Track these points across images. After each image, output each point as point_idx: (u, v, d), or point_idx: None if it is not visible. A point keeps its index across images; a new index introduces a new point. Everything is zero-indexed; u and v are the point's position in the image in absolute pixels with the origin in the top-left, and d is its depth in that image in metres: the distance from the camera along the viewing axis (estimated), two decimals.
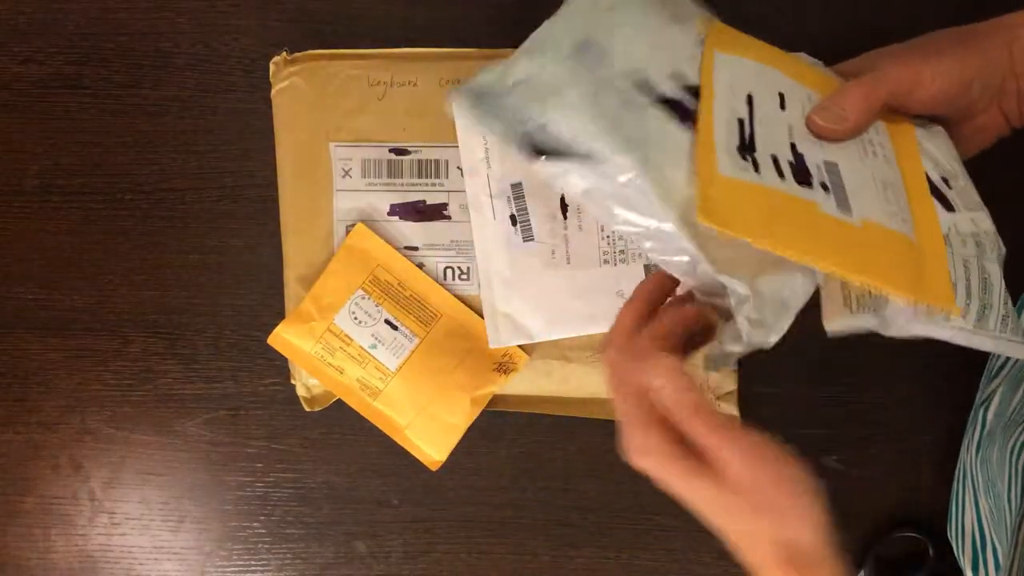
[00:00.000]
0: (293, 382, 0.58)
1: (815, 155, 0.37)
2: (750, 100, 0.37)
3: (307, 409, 0.58)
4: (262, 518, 0.62)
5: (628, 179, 0.34)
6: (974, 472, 0.53)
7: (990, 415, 0.53)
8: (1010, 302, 0.39)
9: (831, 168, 0.37)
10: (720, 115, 0.36)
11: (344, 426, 0.61)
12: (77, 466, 0.62)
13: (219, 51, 0.59)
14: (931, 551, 0.58)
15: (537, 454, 0.60)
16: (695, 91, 0.37)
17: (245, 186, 0.59)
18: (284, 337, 0.55)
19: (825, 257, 0.34)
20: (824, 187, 0.35)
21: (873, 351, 0.58)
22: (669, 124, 0.36)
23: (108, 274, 0.61)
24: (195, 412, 0.61)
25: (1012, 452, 0.48)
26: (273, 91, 0.55)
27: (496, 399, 0.57)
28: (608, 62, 0.37)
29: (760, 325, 0.36)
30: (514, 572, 0.61)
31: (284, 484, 0.61)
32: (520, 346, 0.54)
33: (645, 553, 0.60)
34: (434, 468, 0.57)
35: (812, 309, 0.59)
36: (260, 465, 0.61)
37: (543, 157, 0.35)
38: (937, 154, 0.41)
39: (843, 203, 0.35)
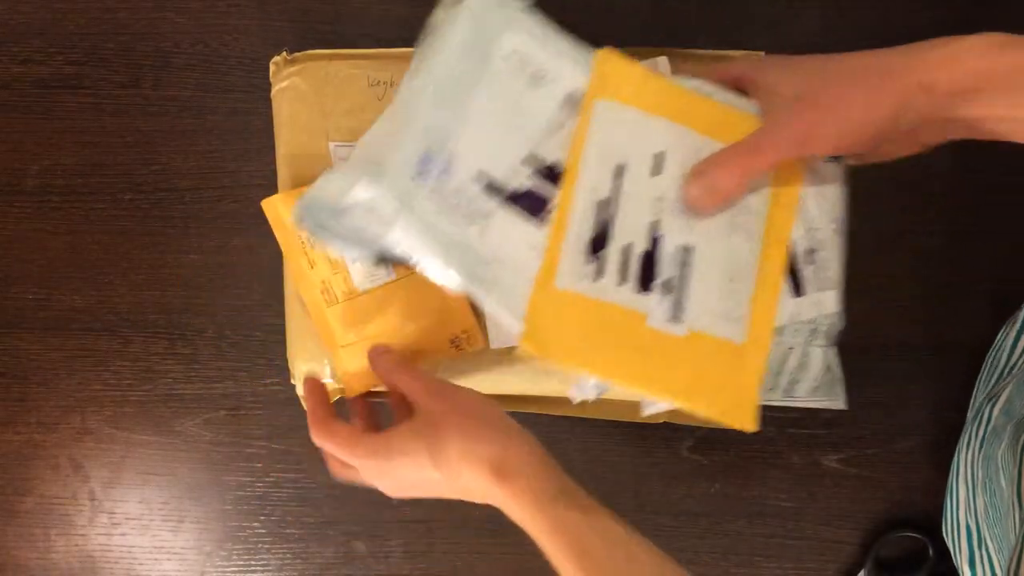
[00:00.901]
0: (293, 382, 0.58)
1: (675, 236, 0.36)
2: (620, 171, 0.35)
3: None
4: (262, 518, 0.62)
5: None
6: (974, 468, 0.53)
7: (996, 411, 0.53)
8: (833, 369, 0.43)
9: (686, 255, 0.36)
10: (580, 200, 0.35)
11: None
12: (77, 466, 0.62)
13: (219, 51, 0.59)
14: (931, 551, 0.58)
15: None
16: (553, 172, 0.38)
17: (245, 186, 0.59)
18: (278, 207, 0.53)
19: (634, 379, 0.36)
20: (666, 288, 0.36)
21: (873, 351, 0.58)
22: (517, 228, 0.37)
23: (108, 274, 0.61)
24: (195, 412, 0.61)
25: (1023, 449, 0.48)
26: (273, 91, 0.55)
27: (497, 399, 0.57)
28: (453, 170, 0.37)
29: None
30: (514, 572, 0.61)
31: (284, 484, 0.61)
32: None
33: None
34: (349, 396, 0.55)
35: None
36: (260, 465, 0.61)
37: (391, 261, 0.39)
38: (817, 214, 0.40)
39: (677, 309, 0.36)
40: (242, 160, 0.59)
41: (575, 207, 0.35)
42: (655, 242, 0.36)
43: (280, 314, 0.58)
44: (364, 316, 0.54)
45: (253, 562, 0.62)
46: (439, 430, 0.39)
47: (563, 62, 0.40)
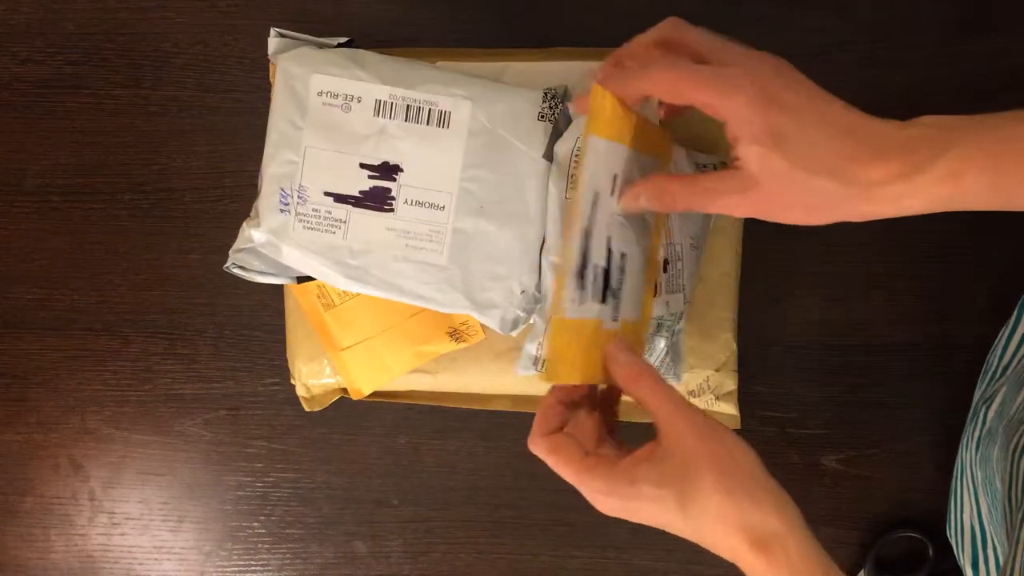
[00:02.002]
0: (293, 382, 0.58)
1: (619, 245, 0.41)
2: (595, 199, 0.39)
3: (307, 409, 0.58)
4: (262, 518, 0.62)
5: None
6: (973, 470, 0.53)
7: (991, 413, 0.53)
8: (675, 353, 0.51)
9: (623, 261, 0.41)
10: (575, 235, 0.38)
11: (344, 426, 0.61)
12: (77, 466, 0.62)
13: (219, 51, 0.59)
14: (931, 551, 0.58)
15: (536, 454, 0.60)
16: (385, 167, 0.48)
17: (245, 186, 0.59)
18: None
19: (598, 377, 0.40)
20: (613, 294, 0.40)
21: (873, 351, 0.58)
22: (372, 219, 0.49)
23: (108, 274, 0.61)
24: (195, 412, 0.61)
25: (1014, 452, 0.48)
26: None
27: (497, 399, 0.57)
28: (306, 197, 0.50)
29: None
30: (514, 572, 0.61)
31: (284, 484, 0.61)
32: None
33: (645, 553, 0.60)
34: (356, 398, 0.56)
35: (813, 309, 0.60)
36: (260, 465, 0.61)
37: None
38: (677, 231, 0.48)
39: (616, 310, 0.41)
40: (242, 160, 0.59)
41: (572, 243, 0.38)
42: (609, 255, 0.40)
43: (280, 314, 0.58)
44: (363, 316, 0.54)
45: (253, 562, 0.62)
46: (695, 482, 0.35)
47: (366, 84, 0.49)
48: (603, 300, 0.40)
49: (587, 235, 0.38)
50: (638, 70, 0.37)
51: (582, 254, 0.38)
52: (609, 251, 0.40)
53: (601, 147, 0.38)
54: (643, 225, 0.42)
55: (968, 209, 0.37)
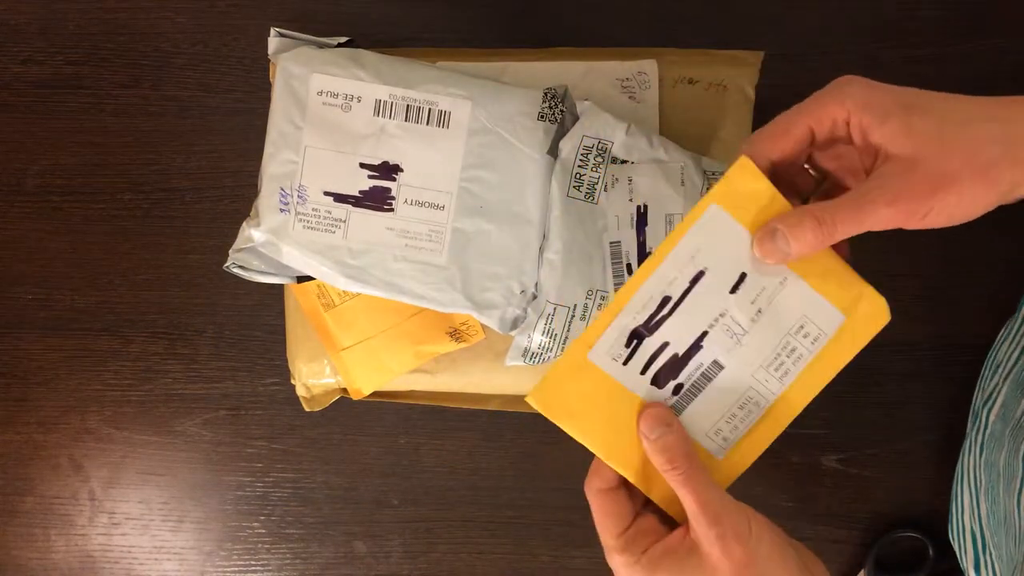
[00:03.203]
0: (293, 382, 0.58)
1: (715, 350, 0.37)
2: (698, 277, 0.36)
3: (307, 409, 0.58)
4: (262, 518, 0.62)
5: None
6: (976, 473, 0.53)
7: (992, 416, 0.53)
8: None
9: (713, 369, 0.37)
10: (649, 288, 0.36)
11: (344, 426, 0.61)
12: (77, 466, 0.62)
13: (219, 51, 0.59)
14: (931, 551, 0.58)
15: (537, 454, 0.60)
16: (385, 167, 0.49)
17: (245, 186, 0.59)
18: None
19: (603, 448, 0.37)
20: (676, 389, 0.37)
21: (873, 351, 0.58)
22: (372, 219, 0.49)
23: (108, 274, 0.61)
24: (195, 412, 0.61)
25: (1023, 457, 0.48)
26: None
27: (497, 399, 0.57)
28: (306, 197, 0.50)
29: None
30: (514, 572, 0.61)
31: (284, 484, 0.62)
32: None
33: None
34: (356, 398, 0.56)
35: None
36: (260, 465, 0.61)
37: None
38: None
39: (676, 410, 0.37)
40: (242, 160, 0.59)
41: (641, 292, 0.36)
42: (692, 349, 0.37)
43: (280, 314, 0.58)
44: (362, 316, 0.54)
45: (253, 562, 0.62)
46: None
47: (366, 84, 0.49)
48: (659, 384, 0.37)
49: (668, 303, 0.36)
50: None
51: (651, 318, 0.36)
52: (694, 346, 0.36)
53: (735, 232, 0.35)
54: (774, 356, 0.38)
55: None
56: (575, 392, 0.36)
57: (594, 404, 0.37)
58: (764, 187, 0.35)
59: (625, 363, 0.37)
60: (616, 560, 0.35)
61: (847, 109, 0.33)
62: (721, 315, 0.37)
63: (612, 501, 0.36)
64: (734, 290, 0.36)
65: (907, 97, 0.33)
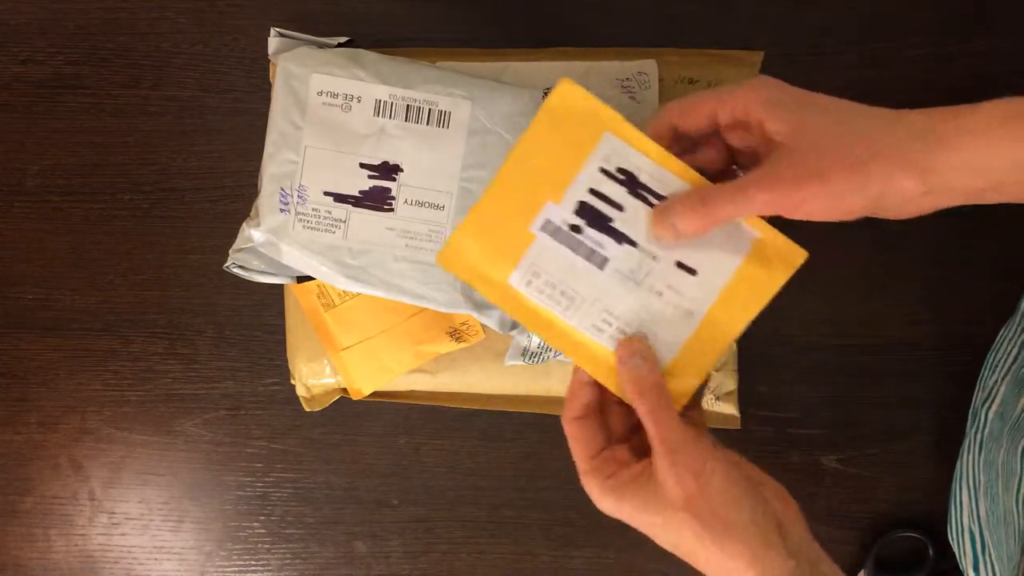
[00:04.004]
0: (293, 382, 0.58)
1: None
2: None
3: (307, 409, 0.58)
4: (262, 518, 0.62)
5: None
6: (975, 472, 0.53)
7: (991, 415, 0.53)
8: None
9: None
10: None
11: (344, 426, 0.61)
12: (77, 466, 0.62)
13: (219, 51, 0.59)
14: (931, 551, 0.58)
15: (537, 454, 0.60)
16: (385, 167, 0.49)
17: (245, 186, 0.59)
18: None
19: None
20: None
21: (873, 351, 0.58)
22: (372, 219, 0.50)
23: (108, 274, 0.61)
24: (195, 412, 0.61)
25: (1022, 455, 0.48)
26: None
27: (497, 399, 0.57)
28: (306, 197, 0.51)
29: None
30: (514, 572, 0.61)
31: (284, 484, 0.61)
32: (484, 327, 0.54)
33: (645, 553, 0.60)
34: (356, 398, 0.56)
35: (813, 309, 0.60)
36: (260, 465, 0.61)
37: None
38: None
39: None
40: (242, 160, 0.59)
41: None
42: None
43: (280, 314, 0.58)
44: (362, 316, 0.54)
45: (253, 562, 0.62)
46: (677, 525, 0.36)
47: (366, 84, 0.49)
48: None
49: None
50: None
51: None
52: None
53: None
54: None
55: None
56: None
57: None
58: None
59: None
60: (586, 482, 0.38)
61: (751, 101, 0.36)
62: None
63: (585, 428, 0.39)
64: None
65: (805, 97, 0.35)
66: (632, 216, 0.38)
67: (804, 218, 0.35)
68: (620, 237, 0.38)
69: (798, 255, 0.40)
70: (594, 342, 0.38)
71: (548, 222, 0.38)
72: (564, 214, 0.38)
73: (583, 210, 0.38)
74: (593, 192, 0.38)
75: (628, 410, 0.39)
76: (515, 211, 0.38)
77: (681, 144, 0.39)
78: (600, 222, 0.38)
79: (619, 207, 0.38)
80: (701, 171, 0.38)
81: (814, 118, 0.35)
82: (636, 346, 0.38)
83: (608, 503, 0.37)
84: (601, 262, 0.38)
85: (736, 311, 0.39)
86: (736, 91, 0.36)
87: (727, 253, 0.39)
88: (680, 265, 0.39)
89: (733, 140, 0.38)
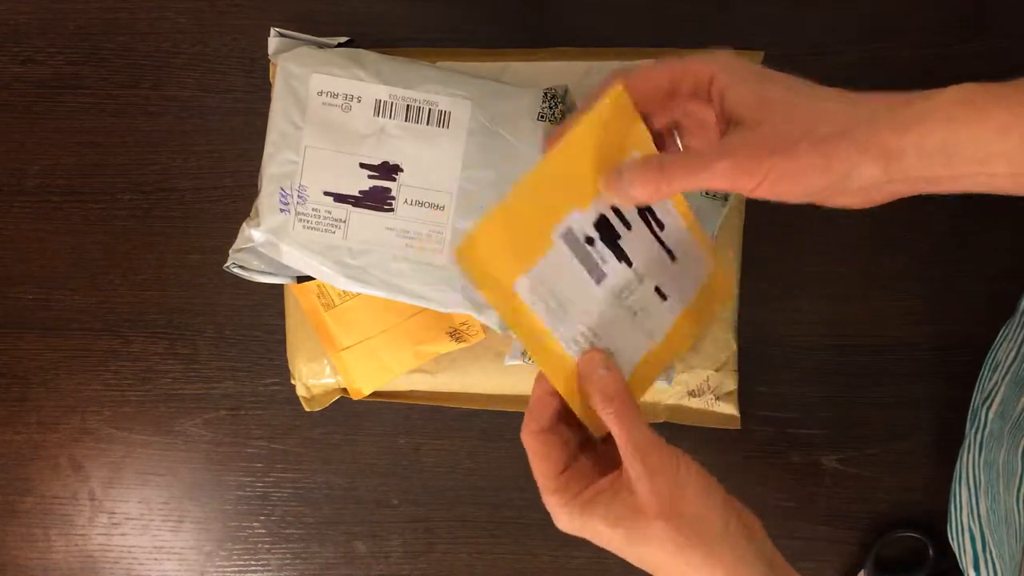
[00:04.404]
0: (293, 382, 0.58)
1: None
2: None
3: (307, 409, 0.58)
4: (262, 518, 0.62)
5: None
6: (975, 472, 0.53)
7: (991, 414, 0.53)
8: None
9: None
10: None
11: (344, 426, 0.61)
12: (77, 466, 0.62)
13: (219, 51, 0.59)
14: (931, 551, 0.58)
15: None
16: (385, 167, 0.49)
17: (245, 186, 0.59)
18: None
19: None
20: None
21: (874, 351, 0.58)
22: (372, 219, 0.50)
23: (108, 274, 0.61)
24: (195, 412, 0.61)
25: (1023, 454, 0.48)
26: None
27: (497, 399, 0.57)
28: (306, 197, 0.50)
29: None
30: (514, 572, 0.61)
31: (284, 484, 0.61)
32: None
33: None
34: (356, 398, 0.56)
35: (813, 309, 0.60)
36: (260, 465, 0.61)
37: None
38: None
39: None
40: (242, 160, 0.59)
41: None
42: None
43: (280, 314, 0.58)
44: (363, 316, 0.54)
45: (253, 562, 0.62)
46: (645, 537, 0.35)
47: (366, 84, 0.49)
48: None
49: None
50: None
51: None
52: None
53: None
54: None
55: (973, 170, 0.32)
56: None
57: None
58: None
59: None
60: (551, 501, 0.37)
61: (711, 70, 0.35)
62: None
63: (547, 444, 0.37)
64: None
65: (766, 71, 0.35)
66: (636, 236, 0.38)
67: (760, 196, 0.33)
68: (621, 255, 0.38)
69: (729, 296, 0.41)
70: (566, 353, 0.37)
71: (569, 230, 0.37)
72: (585, 225, 0.37)
73: (601, 223, 0.37)
74: (614, 207, 0.38)
75: (580, 428, 0.38)
76: (543, 213, 0.36)
77: None
78: (611, 238, 0.38)
79: (628, 225, 0.38)
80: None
81: (780, 93, 0.34)
82: (599, 358, 0.37)
83: (575, 523, 0.36)
84: (600, 277, 0.38)
85: (680, 338, 0.40)
86: (695, 59, 0.35)
87: (691, 281, 0.40)
88: (657, 290, 0.39)
89: (682, 112, 0.37)
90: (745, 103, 0.34)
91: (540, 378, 0.38)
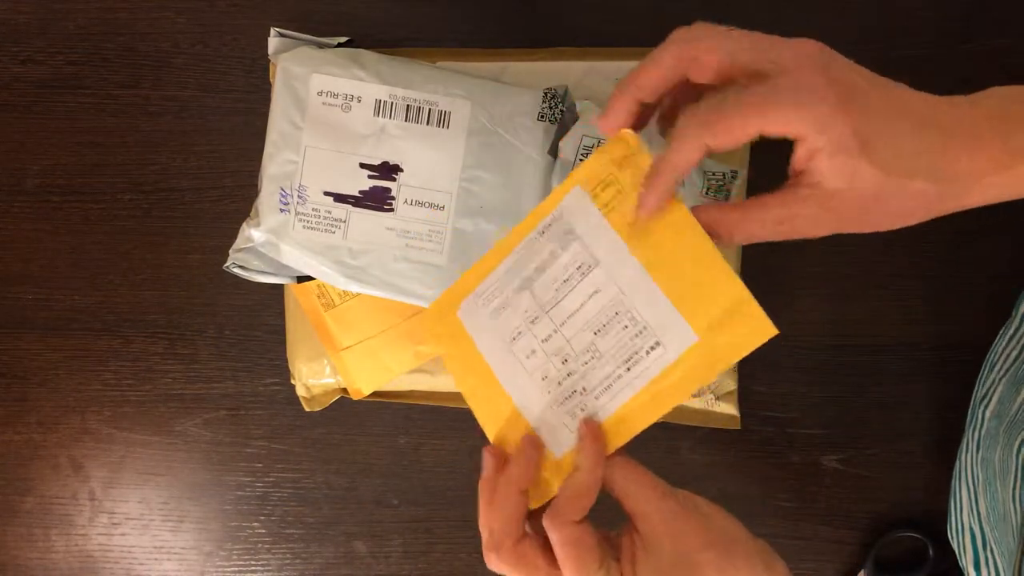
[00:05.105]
0: (293, 382, 0.58)
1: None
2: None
3: (307, 409, 0.58)
4: (262, 518, 0.62)
5: None
6: (974, 470, 0.53)
7: (988, 413, 0.53)
8: None
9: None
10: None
11: (344, 426, 0.61)
12: (77, 466, 0.62)
13: (219, 51, 0.59)
14: (931, 551, 0.58)
15: None
16: (385, 167, 0.49)
17: (245, 186, 0.59)
18: None
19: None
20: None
21: (874, 351, 0.58)
22: (372, 219, 0.50)
23: (108, 274, 0.61)
24: (195, 412, 0.61)
25: (1018, 452, 0.48)
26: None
27: None
28: (306, 197, 0.51)
29: None
30: None
31: (284, 484, 0.61)
32: None
33: None
34: (356, 398, 0.56)
35: (813, 309, 0.60)
36: (260, 465, 0.61)
37: None
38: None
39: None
40: (242, 160, 0.59)
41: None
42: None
43: (280, 314, 0.58)
44: (362, 316, 0.54)
45: (253, 562, 0.62)
46: (697, 570, 0.32)
47: (366, 84, 0.49)
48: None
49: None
50: (689, 134, 0.31)
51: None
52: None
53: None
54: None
55: None
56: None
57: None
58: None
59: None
60: None
61: (801, 130, 0.30)
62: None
63: (587, 533, 0.33)
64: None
65: (864, 126, 0.31)
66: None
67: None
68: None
69: (760, 334, 0.37)
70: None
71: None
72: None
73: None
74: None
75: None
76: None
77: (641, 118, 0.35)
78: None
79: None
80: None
81: (871, 170, 0.30)
82: (532, 441, 0.35)
83: None
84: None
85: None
86: (784, 106, 0.30)
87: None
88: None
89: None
90: (833, 178, 0.31)
91: (593, 460, 0.34)
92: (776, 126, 0.30)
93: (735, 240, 0.33)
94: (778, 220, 0.32)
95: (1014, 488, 0.48)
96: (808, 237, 0.32)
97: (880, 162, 0.30)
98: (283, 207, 0.50)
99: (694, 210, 0.34)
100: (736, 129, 0.30)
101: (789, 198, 0.32)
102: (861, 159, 0.30)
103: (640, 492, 0.33)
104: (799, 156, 0.31)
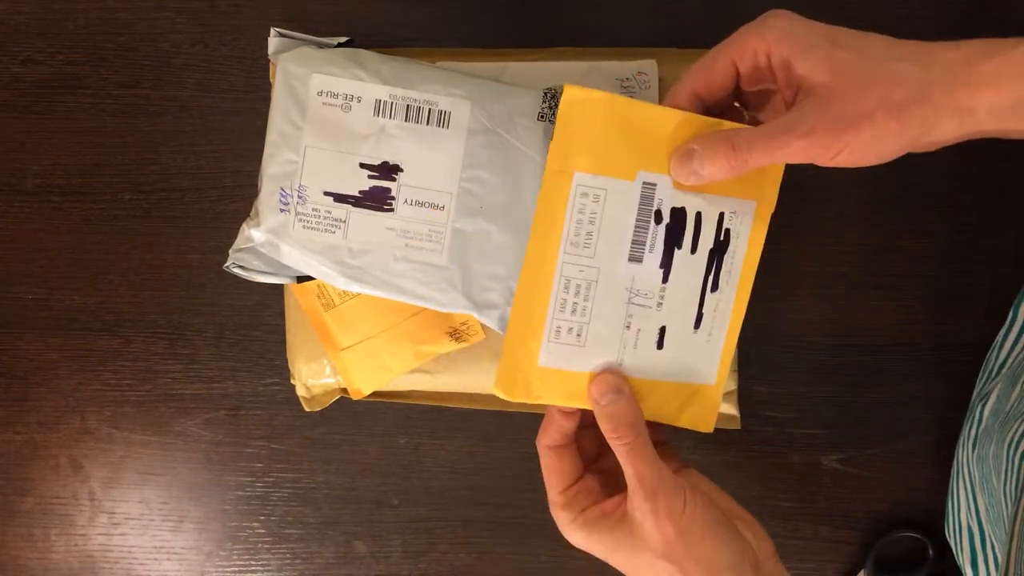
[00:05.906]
0: (293, 382, 0.58)
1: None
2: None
3: (307, 409, 0.58)
4: (262, 518, 0.62)
5: None
6: (970, 469, 0.53)
7: (986, 411, 0.53)
8: None
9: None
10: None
11: (344, 426, 0.61)
12: (77, 466, 0.62)
13: (219, 51, 0.59)
14: (931, 551, 0.58)
15: (537, 454, 0.60)
16: (385, 167, 0.49)
17: (245, 186, 0.59)
18: None
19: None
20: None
21: (874, 351, 0.58)
22: (372, 219, 0.49)
23: (108, 274, 0.61)
24: (195, 412, 0.61)
25: (1010, 445, 0.48)
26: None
27: (497, 399, 0.57)
28: (306, 197, 0.50)
29: None
30: (514, 572, 0.61)
31: (284, 484, 0.62)
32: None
33: None
34: (356, 398, 0.56)
35: (813, 309, 0.60)
36: (260, 465, 0.61)
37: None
38: None
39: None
40: (242, 160, 0.59)
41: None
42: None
43: (280, 314, 0.58)
44: (362, 315, 0.54)
45: (253, 562, 0.62)
46: (649, 570, 0.35)
47: (366, 84, 0.49)
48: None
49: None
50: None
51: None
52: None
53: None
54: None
55: None
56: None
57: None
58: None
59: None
60: (558, 514, 0.38)
61: (768, 41, 0.34)
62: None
63: (560, 458, 0.38)
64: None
65: (829, 31, 0.34)
66: (689, 270, 0.39)
67: (834, 165, 0.33)
68: (666, 263, 0.39)
69: (708, 425, 0.40)
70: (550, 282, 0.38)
71: (652, 184, 0.37)
72: (665, 198, 0.37)
73: (676, 214, 0.38)
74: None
75: (594, 443, 0.38)
76: (644, 144, 0.36)
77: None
78: (673, 238, 0.38)
79: (693, 250, 0.39)
80: None
81: (850, 57, 0.33)
82: (612, 381, 0.37)
83: (578, 537, 0.37)
84: (634, 256, 0.38)
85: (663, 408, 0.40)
86: (748, 34, 0.34)
87: (690, 363, 0.40)
88: (661, 331, 0.39)
89: (756, 101, 0.36)
90: (814, 72, 0.33)
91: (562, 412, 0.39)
92: (748, 44, 0.34)
93: (751, 164, 0.34)
94: (786, 133, 0.33)
95: (1005, 482, 0.48)
96: (820, 156, 0.33)
97: (854, 49, 0.33)
98: (283, 207, 0.50)
99: (705, 138, 0.35)
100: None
101: (793, 111, 0.33)
102: (833, 48, 0.32)
103: (649, 479, 0.36)
104: (780, 80, 0.34)
